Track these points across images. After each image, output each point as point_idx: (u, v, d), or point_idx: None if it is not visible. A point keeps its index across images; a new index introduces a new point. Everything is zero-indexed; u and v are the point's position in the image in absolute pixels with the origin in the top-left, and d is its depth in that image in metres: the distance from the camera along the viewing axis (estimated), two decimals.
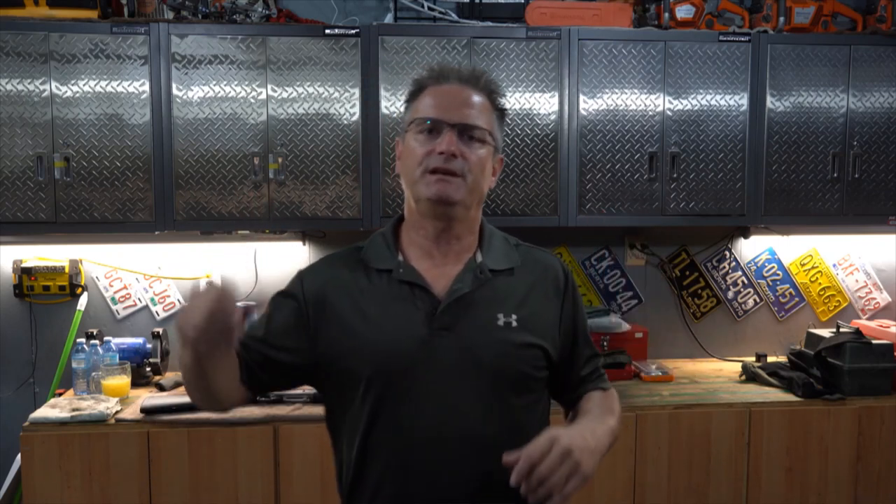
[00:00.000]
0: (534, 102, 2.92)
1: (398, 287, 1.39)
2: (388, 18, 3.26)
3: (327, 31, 2.84)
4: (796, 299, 3.51)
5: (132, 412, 2.67)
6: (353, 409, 1.38)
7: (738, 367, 3.22)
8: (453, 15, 3.20)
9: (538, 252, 1.52)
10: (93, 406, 2.65)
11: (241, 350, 1.37)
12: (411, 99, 1.45)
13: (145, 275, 3.19)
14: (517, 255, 1.47)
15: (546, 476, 1.19)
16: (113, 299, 3.19)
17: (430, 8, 3.19)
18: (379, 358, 1.35)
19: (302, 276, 1.47)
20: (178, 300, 3.21)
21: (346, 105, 2.86)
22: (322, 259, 1.51)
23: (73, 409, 2.62)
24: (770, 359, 3.30)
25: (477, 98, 1.41)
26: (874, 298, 3.53)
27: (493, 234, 1.48)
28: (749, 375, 3.12)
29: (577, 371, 1.52)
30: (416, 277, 1.39)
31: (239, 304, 1.24)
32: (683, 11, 3.05)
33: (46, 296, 3.13)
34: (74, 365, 2.87)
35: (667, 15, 3.03)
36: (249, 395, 1.42)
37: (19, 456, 2.60)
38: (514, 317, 1.39)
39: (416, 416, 1.34)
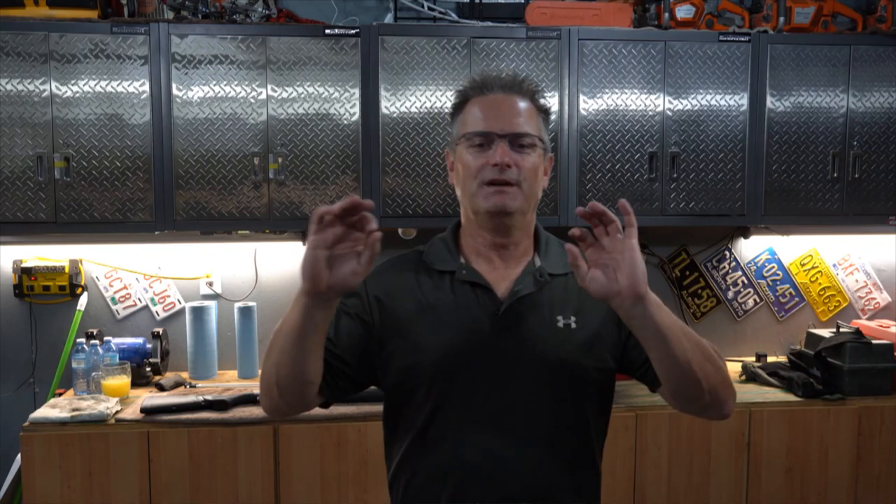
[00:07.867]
0: None
1: (460, 287, 1.42)
2: (388, 18, 3.26)
3: (327, 31, 2.84)
4: (796, 299, 3.51)
5: (132, 412, 2.67)
6: (414, 406, 1.40)
7: (738, 367, 3.22)
8: (453, 15, 3.20)
9: None
10: (93, 406, 2.65)
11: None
12: (456, 111, 1.47)
13: (145, 275, 3.19)
14: None
15: (609, 221, 1.29)
16: (113, 299, 3.19)
17: (430, 8, 3.19)
18: (443, 357, 1.37)
19: (365, 279, 1.43)
20: (178, 300, 3.21)
21: (346, 105, 2.86)
22: (384, 262, 1.49)
23: (73, 409, 2.62)
24: (770, 359, 3.30)
25: (522, 104, 1.42)
26: (874, 298, 3.53)
27: (549, 240, 1.51)
28: (749, 375, 3.12)
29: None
30: (479, 278, 1.42)
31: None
32: (683, 11, 3.05)
33: (46, 296, 3.13)
34: (74, 365, 2.87)
35: (667, 15, 3.03)
36: (320, 402, 1.41)
37: (19, 456, 2.60)
38: (573, 318, 1.41)
39: (477, 414, 1.37)
